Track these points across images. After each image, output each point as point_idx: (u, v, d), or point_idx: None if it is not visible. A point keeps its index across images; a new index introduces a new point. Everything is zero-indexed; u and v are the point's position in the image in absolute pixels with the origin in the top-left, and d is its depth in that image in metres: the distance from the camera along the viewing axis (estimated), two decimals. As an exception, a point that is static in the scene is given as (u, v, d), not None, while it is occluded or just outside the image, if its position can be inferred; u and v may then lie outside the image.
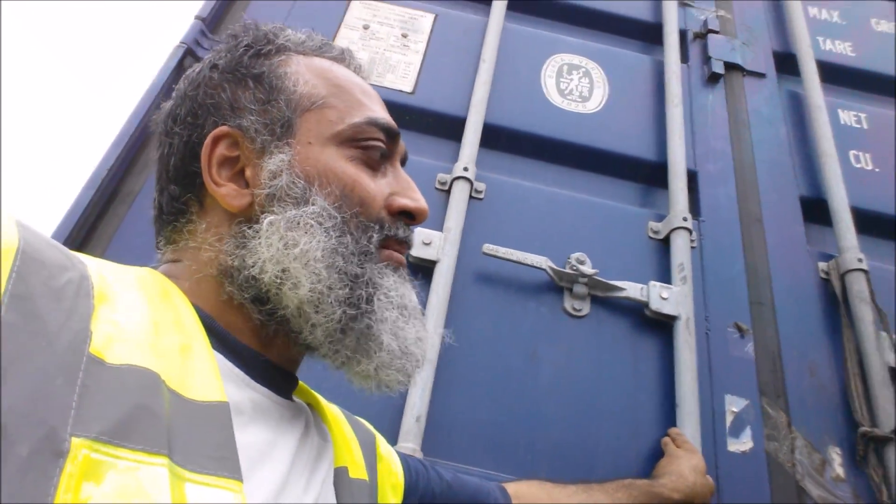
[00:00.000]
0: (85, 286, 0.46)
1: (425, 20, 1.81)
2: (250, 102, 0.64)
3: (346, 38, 1.71)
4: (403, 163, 0.72)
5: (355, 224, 0.62)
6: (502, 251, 1.40)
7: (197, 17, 1.65)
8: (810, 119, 1.81)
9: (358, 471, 0.70)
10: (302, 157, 0.62)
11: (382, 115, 0.69)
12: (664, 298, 1.40)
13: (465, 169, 1.52)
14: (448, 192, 1.52)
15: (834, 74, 1.99)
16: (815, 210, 1.67)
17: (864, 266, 1.51)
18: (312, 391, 0.75)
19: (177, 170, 0.64)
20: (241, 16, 1.72)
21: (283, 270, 0.58)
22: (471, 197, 1.51)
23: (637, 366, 1.37)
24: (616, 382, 1.34)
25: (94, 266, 0.49)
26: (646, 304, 1.40)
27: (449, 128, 1.68)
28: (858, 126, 1.88)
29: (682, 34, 1.98)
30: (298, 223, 0.59)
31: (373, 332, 0.60)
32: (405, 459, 0.89)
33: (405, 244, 0.67)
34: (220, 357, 0.56)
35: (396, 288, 0.64)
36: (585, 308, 1.41)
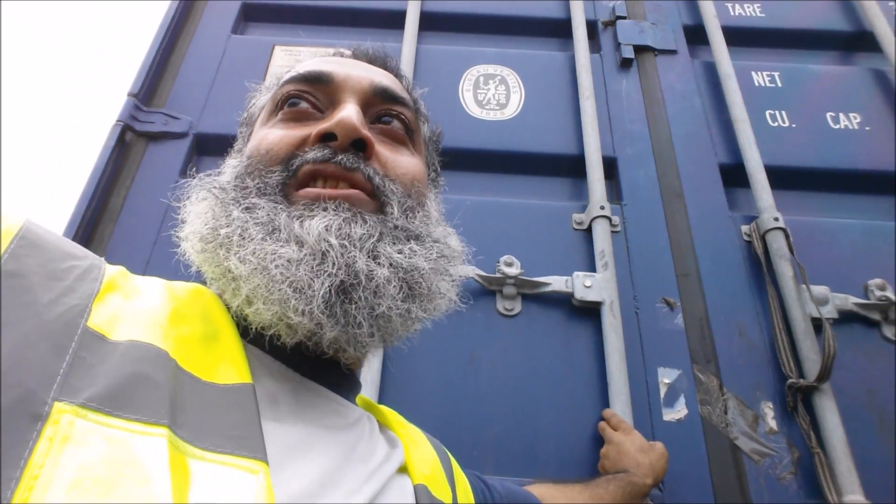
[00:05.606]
0: (93, 273, 0.47)
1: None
2: None
3: (265, 88, 1.81)
4: (381, 102, 0.67)
5: None
6: (430, 267, 1.48)
7: (130, 94, 1.75)
8: (722, 87, 1.87)
9: (442, 492, 0.66)
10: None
11: (306, 68, 0.66)
12: (587, 287, 1.48)
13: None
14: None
15: (746, 37, 2.06)
16: (736, 175, 1.74)
17: (780, 224, 1.57)
18: (380, 406, 0.74)
19: None
20: (171, 86, 1.82)
21: None
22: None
23: (569, 354, 1.45)
24: (551, 372, 1.42)
25: (119, 268, 0.51)
26: (571, 295, 1.48)
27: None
28: (773, 85, 1.94)
29: (593, 25, 2.05)
30: None
31: None
32: (470, 479, 0.84)
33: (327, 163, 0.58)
34: (258, 351, 0.55)
35: None
36: (517, 307, 1.50)
